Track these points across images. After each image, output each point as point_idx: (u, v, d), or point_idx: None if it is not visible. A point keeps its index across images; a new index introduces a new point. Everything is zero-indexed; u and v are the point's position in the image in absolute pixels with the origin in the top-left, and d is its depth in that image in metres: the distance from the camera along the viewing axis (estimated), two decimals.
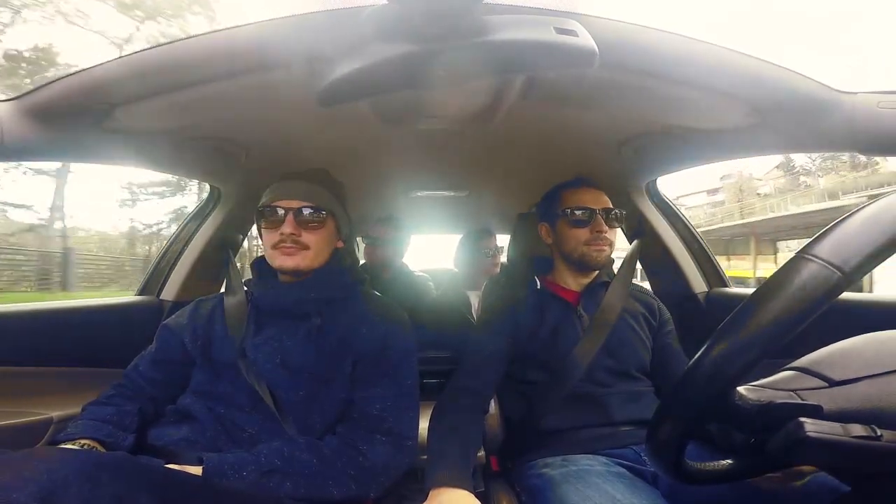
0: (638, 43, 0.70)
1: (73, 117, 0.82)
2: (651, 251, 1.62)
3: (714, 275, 1.59)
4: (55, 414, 1.03)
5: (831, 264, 0.40)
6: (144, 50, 0.71)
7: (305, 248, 0.93)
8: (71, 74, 0.74)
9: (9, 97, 0.77)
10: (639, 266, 1.36)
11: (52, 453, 0.54)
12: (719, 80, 0.76)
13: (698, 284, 1.57)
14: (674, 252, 1.58)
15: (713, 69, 0.74)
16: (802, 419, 0.42)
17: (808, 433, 0.41)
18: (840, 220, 0.43)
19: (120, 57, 0.72)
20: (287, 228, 0.91)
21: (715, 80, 0.76)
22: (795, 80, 0.75)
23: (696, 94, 0.81)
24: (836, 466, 0.49)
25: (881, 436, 0.40)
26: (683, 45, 0.71)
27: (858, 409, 0.43)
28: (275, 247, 0.93)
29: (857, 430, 0.40)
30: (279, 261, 0.93)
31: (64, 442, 0.82)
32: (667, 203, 1.60)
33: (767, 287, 0.43)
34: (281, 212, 0.92)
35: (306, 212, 0.93)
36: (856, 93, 0.75)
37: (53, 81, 0.75)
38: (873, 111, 0.73)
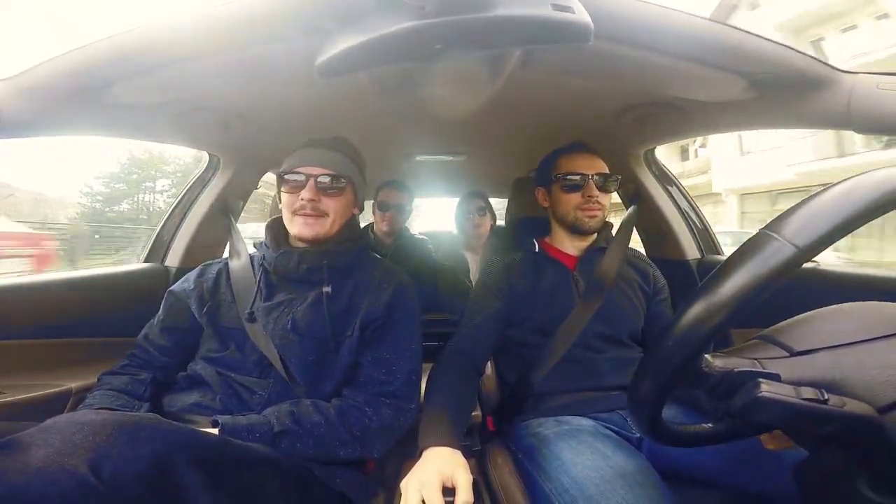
0: (636, 17, 0.69)
1: (72, 94, 0.81)
2: (647, 218, 1.64)
3: (707, 242, 1.62)
4: (74, 385, 1.07)
5: (789, 241, 0.42)
6: (142, 26, 0.70)
7: (324, 214, 0.95)
8: (68, 52, 0.73)
9: (6, 76, 0.76)
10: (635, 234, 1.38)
11: (92, 416, 0.55)
12: (718, 55, 0.76)
13: (692, 251, 1.60)
14: (669, 219, 1.60)
15: (712, 44, 0.73)
16: (760, 380, 0.46)
17: (761, 392, 0.45)
18: (805, 200, 0.45)
19: (117, 33, 0.71)
20: (307, 194, 0.92)
21: (714, 55, 0.76)
22: (794, 57, 0.74)
23: (695, 68, 0.80)
24: (788, 427, 0.53)
25: (827, 399, 0.44)
26: (682, 21, 0.70)
27: (814, 378, 0.47)
28: (295, 212, 0.94)
29: (807, 392, 0.44)
30: (298, 229, 0.95)
31: None
32: (664, 171, 1.61)
33: (731, 260, 0.46)
34: (302, 178, 0.94)
35: (327, 179, 0.94)
36: (856, 73, 0.75)
37: (50, 59, 0.74)
38: (872, 92, 0.73)
